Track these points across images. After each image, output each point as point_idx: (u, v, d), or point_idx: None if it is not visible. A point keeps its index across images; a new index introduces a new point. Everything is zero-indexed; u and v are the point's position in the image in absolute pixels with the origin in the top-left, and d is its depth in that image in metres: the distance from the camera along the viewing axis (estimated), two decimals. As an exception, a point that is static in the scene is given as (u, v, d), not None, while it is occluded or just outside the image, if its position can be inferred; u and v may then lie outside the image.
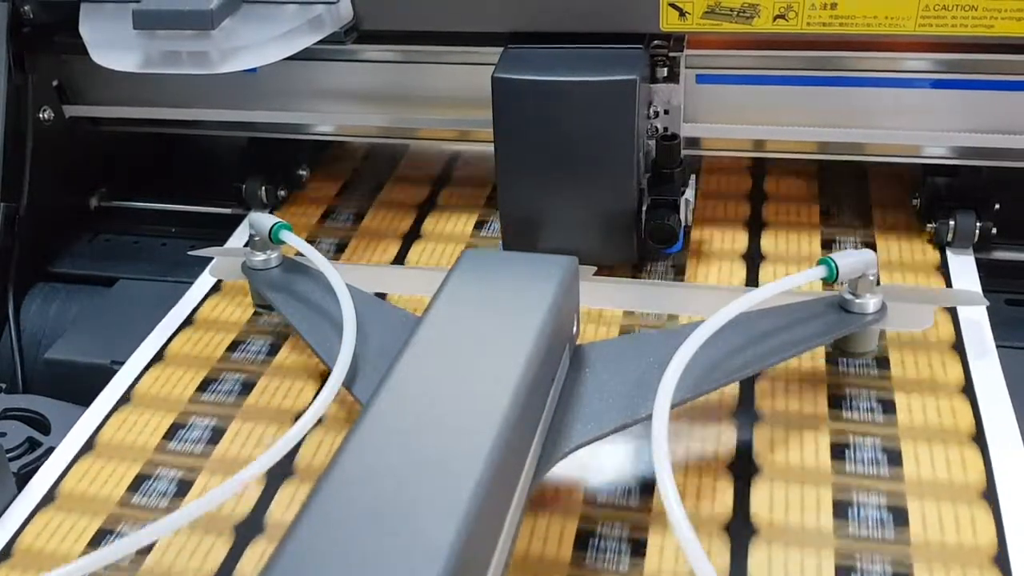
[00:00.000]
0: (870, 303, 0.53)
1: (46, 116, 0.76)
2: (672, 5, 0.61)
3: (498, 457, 0.35)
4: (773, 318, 0.52)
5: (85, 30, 0.67)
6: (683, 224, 0.63)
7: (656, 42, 0.64)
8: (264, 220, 0.62)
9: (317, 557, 0.31)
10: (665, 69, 0.64)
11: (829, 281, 0.52)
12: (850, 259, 0.52)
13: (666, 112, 0.66)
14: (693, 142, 0.68)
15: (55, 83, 0.77)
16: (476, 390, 0.39)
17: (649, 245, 0.64)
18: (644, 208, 0.63)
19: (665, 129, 0.66)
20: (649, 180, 0.64)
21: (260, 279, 0.63)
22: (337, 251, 0.72)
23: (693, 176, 0.66)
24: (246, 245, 0.66)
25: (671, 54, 0.64)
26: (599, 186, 0.62)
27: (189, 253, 0.70)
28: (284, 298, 0.60)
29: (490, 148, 0.63)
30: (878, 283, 0.54)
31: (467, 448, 0.35)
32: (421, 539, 0.31)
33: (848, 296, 0.53)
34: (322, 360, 0.55)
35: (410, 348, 0.42)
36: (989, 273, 0.64)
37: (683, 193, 0.64)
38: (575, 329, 0.50)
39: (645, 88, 0.62)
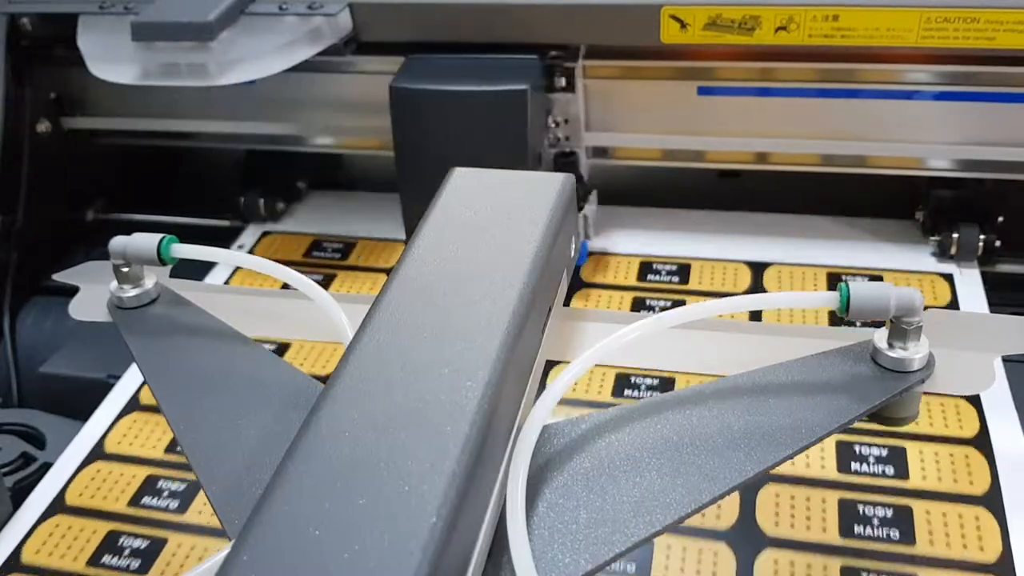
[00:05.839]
0: (914, 358, 0.37)
1: (43, 128, 0.76)
2: (673, 17, 0.61)
3: (489, 403, 0.32)
4: (774, 390, 0.37)
5: (83, 43, 0.66)
6: (586, 238, 0.65)
7: (553, 52, 0.64)
8: (140, 238, 0.44)
9: (297, 518, 0.28)
10: (563, 79, 0.65)
11: (839, 315, 0.37)
12: (868, 293, 0.36)
13: (566, 121, 0.67)
14: (601, 151, 0.69)
15: (53, 96, 0.77)
16: (468, 322, 0.36)
17: None
18: None
19: (567, 139, 0.67)
20: None
21: (134, 323, 0.46)
22: (340, 258, 0.72)
23: (594, 191, 0.67)
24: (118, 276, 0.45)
25: (567, 64, 0.65)
26: None
27: (54, 277, 0.49)
28: (155, 353, 0.44)
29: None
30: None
31: (458, 392, 0.32)
32: (407, 497, 0.29)
33: (880, 345, 0.37)
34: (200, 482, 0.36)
35: (399, 275, 0.39)
36: (994, 287, 0.64)
37: (582, 209, 0.64)
38: (572, 252, 0.47)
39: (540, 97, 0.63)
